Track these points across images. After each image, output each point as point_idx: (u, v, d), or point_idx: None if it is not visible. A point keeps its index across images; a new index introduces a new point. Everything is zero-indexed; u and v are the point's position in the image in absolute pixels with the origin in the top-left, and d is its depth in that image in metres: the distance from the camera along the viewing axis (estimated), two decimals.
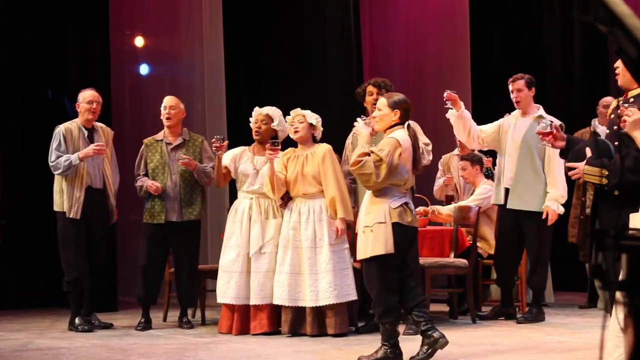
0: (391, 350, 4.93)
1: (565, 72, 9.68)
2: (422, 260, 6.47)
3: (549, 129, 4.31)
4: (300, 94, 8.67)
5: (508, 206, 6.61)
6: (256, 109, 6.52)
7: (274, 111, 6.47)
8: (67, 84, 8.12)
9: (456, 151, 7.92)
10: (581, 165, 3.91)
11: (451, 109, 6.52)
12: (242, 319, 6.26)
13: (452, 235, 6.94)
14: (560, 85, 9.65)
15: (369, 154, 4.85)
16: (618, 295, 1.98)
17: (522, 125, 6.64)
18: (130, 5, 9.03)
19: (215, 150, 6.34)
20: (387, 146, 4.88)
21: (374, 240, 4.84)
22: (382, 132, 5.10)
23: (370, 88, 6.29)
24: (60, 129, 6.55)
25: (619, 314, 2.18)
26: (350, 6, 9.41)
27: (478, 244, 7.03)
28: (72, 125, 6.59)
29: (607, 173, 3.83)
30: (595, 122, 7.64)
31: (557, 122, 4.58)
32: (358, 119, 5.12)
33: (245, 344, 5.82)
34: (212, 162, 6.64)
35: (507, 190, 6.64)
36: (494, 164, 7.39)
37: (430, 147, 6.15)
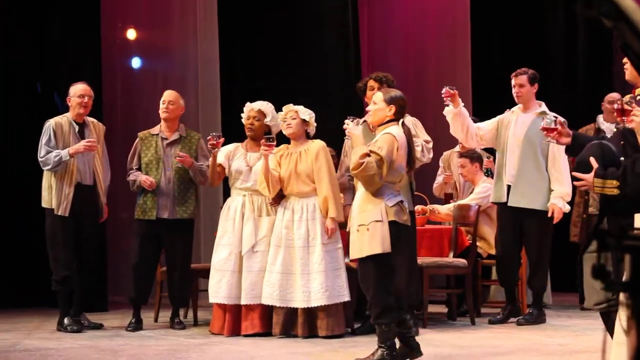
0: (388, 352, 4.92)
1: (569, 68, 9.68)
2: (420, 260, 6.48)
3: (553, 125, 4.30)
4: (297, 89, 8.65)
5: (510, 203, 6.58)
6: (248, 104, 6.52)
7: (266, 106, 6.47)
8: (57, 77, 8.09)
9: (457, 148, 7.91)
10: (589, 177, 3.88)
11: (448, 105, 6.49)
12: (233, 319, 6.26)
13: (451, 235, 6.94)
14: (564, 81, 9.65)
15: (368, 155, 4.85)
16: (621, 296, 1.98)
17: (524, 122, 6.64)
18: None
19: (211, 148, 6.33)
20: (385, 143, 4.88)
21: (371, 239, 4.84)
22: (375, 126, 5.11)
23: (371, 82, 6.29)
24: (51, 123, 6.53)
25: (622, 316, 2.18)
26: (349, 0, 9.41)
27: (478, 243, 7.03)
28: (63, 120, 6.58)
29: (618, 183, 3.81)
30: (599, 118, 7.65)
31: (560, 118, 4.57)
32: (347, 120, 5.09)
33: (238, 346, 5.82)
34: (207, 161, 6.62)
35: (508, 188, 6.62)
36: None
37: (430, 145, 6.15)
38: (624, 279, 1.96)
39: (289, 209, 6.16)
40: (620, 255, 1.96)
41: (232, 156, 6.47)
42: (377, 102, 5.07)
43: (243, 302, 6.20)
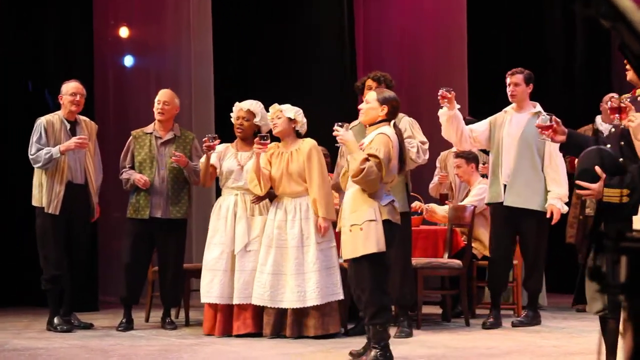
0: (381, 353, 4.93)
1: (567, 69, 9.70)
2: (415, 261, 6.48)
3: (548, 123, 4.30)
4: (292, 88, 8.66)
5: (506, 203, 6.56)
6: (237, 104, 6.53)
7: (255, 106, 6.47)
8: (48, 75, 8.08)
9: (454, 149, 7.91)
10: (595, 187, 3.88)
11: (442, 107, 6.46)
12: (225, 319, 6.26)
13: (446, 236, 6.95)
14: (562, 82, 9.67)
15: (367, 159, 4.86)
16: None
17: (519, 121, 6.64)
18: None
19: (207, 149, 6.33)
20: (382, 145, 4.90)
21: (365, 239, 4.85)
22: (367, 126, 5.12)
23: (369, 82, 6.28)
24: (42, 121, 6.52)
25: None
26: (344, 0, 9.41)
27: (473, 244, 7.04)
28: (54, 117, 6.57)
29: (628, 192, 3.81)
30: (598, 119, 7.67)
31: (555, 117, 4.57)
32: (336, 127, 5.07)
33: (230, 346, 5.82)
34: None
35: (504, 188, 6.61)
36: None
37: (426, 146, 6.13)
38: (620, 281, 1.97)
39: (281, 209, 6.16)
40: (616, 257, 1.96)
41: (222, 156, 6.47)
42: (370, 101, 5.09)
43: (235, 301, 6.20)
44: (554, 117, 4.31)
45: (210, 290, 6.27)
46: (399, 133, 5.08)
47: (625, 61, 4.36)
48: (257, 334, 6.20)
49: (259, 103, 6.49)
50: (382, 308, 4.91)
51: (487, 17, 10.07)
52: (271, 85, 8.72)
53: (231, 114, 6.56)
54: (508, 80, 6.72)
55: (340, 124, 5.05)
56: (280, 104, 6.27)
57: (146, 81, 8.81)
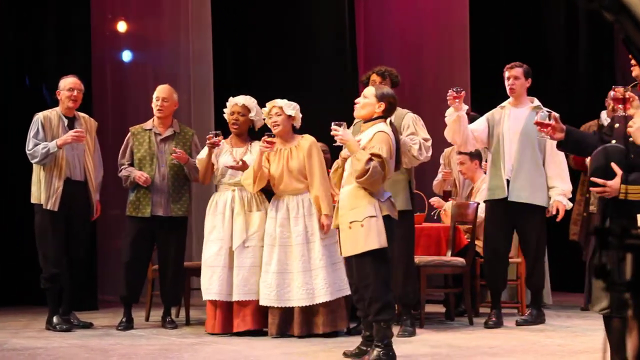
0: (384, 352, 4.93)
1: (570, 64, 9.68)
2: (418, 259, 6.48)
3: (547, 120, 4.29)
4: (292, 83, 8.65)
5: (510, 198, 6.53)
6: (231, 99, 6.54)
7: (249, 101, 6.48)
8: (46, 71, 8.08)
9: None
10: (612, 184, 3.84)
11: (457, 108, 6.42)
12: (224, 316, 6.27)
13: (449, 233, 6.94)
14: (565, 76, 9.65)
15: (371, 159, 4.86)
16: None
17: (519, 116, 6.63)
18: None
19: (210, 146, 6.32)
20: (383, 143, 4.91)
21: (366, 235, 4.86)
22: (362, 121, 5.12)
23: (373, 76, 6.27)
24: (39, 116, 6.53)
25: None
26: None
27: (476, 242, 7.03)
28: (52, 113, 6.57)
29: None
30: (603, 114, 7.65)
31: (554, 113, 4.55)
32: (334, 126, 5.05)
33: (231, 345, 5.83)
34: None
35: (507, 183, 6.58)
36: None
37: (429, 143, 6.11)
38: (626, 278, 1.96)
39: (282, 207, 6.16)
40: (622, 254, 1.96)
41: (218, 152, 6.47)
42: (367, 96, 5.10)
43: (235, 298, 6.21)
44: (553, 113, 4.29)
45: (210, 286, 6.28)
46: (394, 130, 5.08)
47: (630, 56, 4.35)
48: (257, 331, 6.21)
49: (253, 98, 6.50)
50: (387, 304, 4.92)
51: (489, 13, 10.06)
52: (271, 81, 8.71)
53: (224, 110, 6.56)
54: (507, 74, 6.70)
55: (337, 123, 5.02)
56: (280, 100, 6.26)
57: (144, 77, 8.82)
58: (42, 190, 6.44)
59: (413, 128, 6.11)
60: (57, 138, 6.44)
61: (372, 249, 4.87)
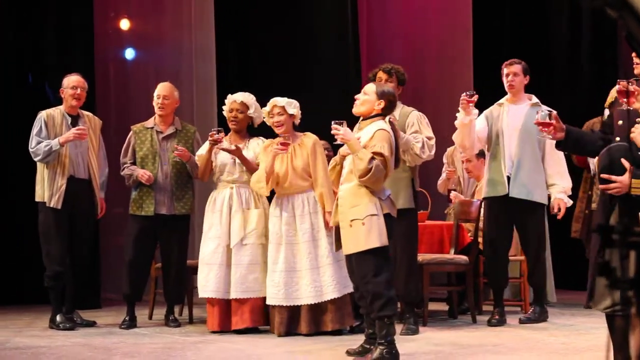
0: (387, 350, 4.92)
1: (573, 61, 9.67)
2: (421, 257, 6.48)
3: (547, 119, 4.26)
4: (294, 81, 8.65)
5: (511, 195, 6.53)
6: (229, 96, 6.55)
7: (248, 98, 6.49)
8: (49, 69, 8.09)
9: None
10: (624, 179, 3.83)
11: (470, 112, 6.41)
12: (222, 313, 6.29)
13: (452, 231, 6.93)
14: (568, 74, 9.65)
15: (373, 158, 4.85)
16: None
17: (518, 113, 6.62)
18: None
19: (212, 143, 6.32)
20: (385, 142, 4.91)
21: (367, 233, 4.86)
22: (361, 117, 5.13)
23: (380, 74, 6.26)
24: (42, 115, 6.54)
25: None
26: None
27: (479, 239, 7.02)
28: (55, 112, 6.58)
29: None
30: (607, 111, 7.64)
31: (554, 112, 4.53)
32: (334, 124, 5.03)
33: (234, 344, 5.83)
34: None
35: (507, 179, 6.56)
36: None
37: (432, 142, 6.10)
38: (629, 276, 1.96)
39: (288, 205, 6.16)
40: (625, 252, 1.96)
41: (216, 149, 6.46)
42: (368, 92, 5.10)
43: (232, 296, 6.24)
44: (553, 113, 4.28)
45: (206, 284, 6.30)
46: (393, 128, 5.08)
47: (633, 54, 4.34)
48: (255, 329, 6.23)
49: (252, 95, 6.51)
50: (390, 300, 4.92)
51: (492, 12, 10.05)
52: (273, 79, 8.71)
53: (223, 107, 6.57)
54: (506, 71, 6.70)
55: (338, 122, 5.00)
56: (282, 98, 6.25)
57: (147, 75, 8.81)
58: (46, 188, 6.45)
59: (417, 126, 6.11)
60: (60, 136, 6.45)
61: (374, 247, 4.87)
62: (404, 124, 6.13)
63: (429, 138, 6.09)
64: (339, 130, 4.97)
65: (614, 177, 3.80)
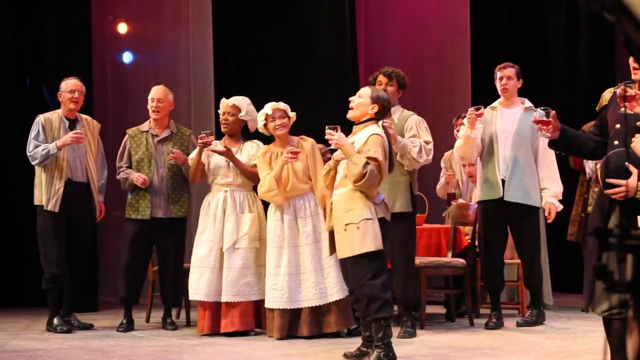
0: (385, 353, 4.92)
1: (570, 62, 9.67)
2: (418, 260, 6.48)
3: (545, 118, 4.26)
4: (293, 84, 8.66)
5: (506, 198, 6.53)
6: (223, 100, 6.55)
7: (240, 101, 6.49)
8: (46, 72, 8.08)
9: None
10: (631, 182, 3.82)
11: (474, 127, 6.43)
12: (213, 316, 6.30)
13: (449, 234, 6.94)
14: (566, 75, 9.65)
15: (368, 162, 4.86)
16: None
17: (512, 116, 6.63)
18: None
19: (202, 145, 6.32)
20: (378, 146, 4.92)
21: (362, 237, 4.87)
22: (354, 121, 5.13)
23: (380, 77, 6.26)
24: (40, 118, 6.54)
25: None
26: None
27: (476, 243, 7.02)
28: (53, 115, 6.58)
29: None
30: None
31: (553, 111, 4.53)
32: (328, 130, 5.04)
33: (232, 347, 5.82)
34: None
35: (502, 182, 6.56)
36: None
37: (430, 146, 6.10)
38: (626, 279, 1.96)
39: (289, 208, 6.17)
40: (622, 255, 1.96)
41: (210, 152, 6.47)
42: (362, 96, 5.11)
43: (223, 299, 6.25)
44: (552, 111, 4.28)
45: (198, 287, 6.31)
46: (386, 132, 5.09)
47: (630, 59, 4.34)
48: (244, 332, 6.25)
49: (246, 99, 6.52)
50: (386, 302, 4.92)
51: (490, 12, 10.06)
52: (271, 78, 8.71)
53: (219, 111, 6.59)
54: (499, 74, 6.70)
55: (332, 126, 5.01)
56: (280, 100, 6.26)
57: (145, 78, 8.81)
58: (44, 192, 6.45)
59: (415, 130, 6.11)
60: (58, 140, 6.45)
61: (369, 251, 4.88)
62: (403, 127, 6.13)
63: (427, 142, 6.09)
64: (333, 136, 4.98)
65: (619, 181, 3.79)
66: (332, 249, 5.11)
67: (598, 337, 5.85)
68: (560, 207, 6.62)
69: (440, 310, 7.50)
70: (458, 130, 7.49)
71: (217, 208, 6.38)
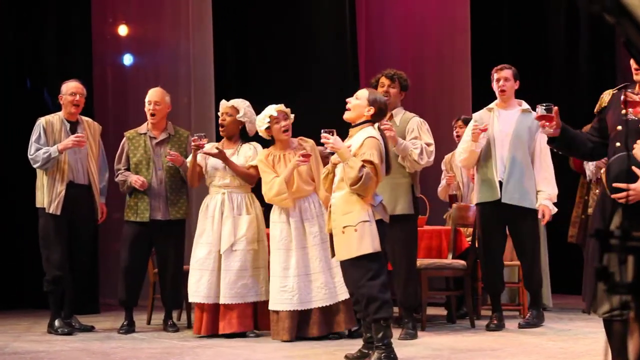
0: (386, 354, 4.93)
1: (570, 63, 9.67)
2: (419, 262, 6.48)
3: (546, 113, 4.24)
4: (292, 84, 8.66)
5: (503, 200, 6.53)
6: (222, 101, 6.55)
7: (239, 103, 6.50)
8: (47, 74, 8.09)
9: (458, 149, 7.88)
10: (637, 186, 3.80)
11: (476, 140, 6.45)
12: (211, 318, 6.31)
13: (450, 236, 6.94)
14: (566, 76, 9.65)
15: (363, 166, 4.87)
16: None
17: (509, 118, 6.62)
18: None
19: (195, 148, 6.32)
20: (373, 149, 4.93)
21: (360, 240, 4.88)
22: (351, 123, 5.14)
23: (382, 79, 6.26)
24: (41, 121, 6.55)
25: None
26: None
27: (477, 244, 7.01)
28: (54, 118, 6.58)
29: None
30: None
31: (555, 107, 4.51)
32: (323, 133, 5.05)
33: (233, 349, 5.82)
34: None
35: (499, 185, 6.56)
36: None
37: (431, 148, 6.09)
38: (627, 281, 1.96)
39: (295, 210, 6.16)
40: (623, 257, 1.96)
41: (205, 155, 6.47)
42: (359, 97, 5.12)
43: (222, 301, 6.26)
44: (554, 107, 4.26)
45: (197, 289, 6.31)
46: (382, 135, 5.10)
47: (632, 60, 4.33)
48: (242, 333, 6.26)
49: (245, 101, 6.53)
50: (385, 303, 4.93)
51: (490, 12, 10.06)
52: (271, 78, 8.71)
53: (219, 112, 6.60)
54: (496, 76, 6.70)
55: (328, 130, 5.03)
56: (280, 101, 6.26)
57: (145, 80, 8.81)
58: (45, 194, 6.46)
59: (417, 132, 6.11)
60: (59, 143, 6.46)
61: (366, 253, 4.88)
62: (405, 129, 6.13)
63: (428, 144, 6.09)
64: (329, 139, 5.00)
65: (628, 185, 3.78)
66: (334, 251, 5.12)
67: (599, 339, 5.85)
68: (555, 209, 6.60)
69: (441, 312, 7.50)
70: (458, 133, 7.49)
71: (215, 210, 6.39)
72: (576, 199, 7.64)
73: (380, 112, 5.11)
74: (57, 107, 6.72)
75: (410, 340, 6.02)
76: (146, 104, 6.75)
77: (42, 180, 6.52)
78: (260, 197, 6.50)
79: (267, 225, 6.46)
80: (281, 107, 6.20)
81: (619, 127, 4.05)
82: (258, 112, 6.35)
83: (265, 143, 6.45)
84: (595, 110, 4.48)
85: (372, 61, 10.10)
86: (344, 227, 4.93)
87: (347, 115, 5.16)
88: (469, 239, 7.14)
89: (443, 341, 6.04)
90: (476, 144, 6.49)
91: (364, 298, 4.94)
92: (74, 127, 6.61)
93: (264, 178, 6.19)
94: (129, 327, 6.63)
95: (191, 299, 6.38)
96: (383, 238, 4.98)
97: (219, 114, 6.57)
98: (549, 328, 6.65)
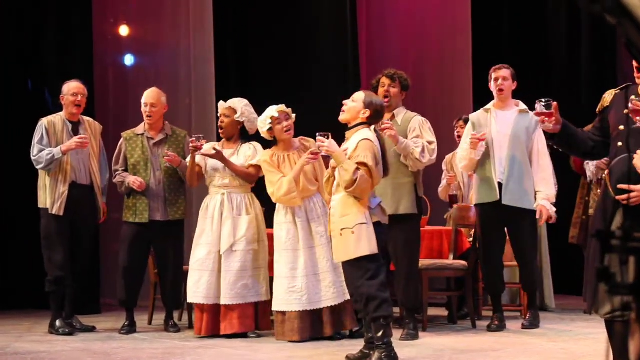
0: (386, 354, 4.93)
1: (572, 63, 9.67)
2: (420, 262, 6.47)
3: (546, 110, 4.23)
4: (292, 84, 8.65)
5: (504, 202, 6.52)
6: (220, 102, 6.56)
7: (236, 103, 6.50)
8: (47, 74, 8.09)
9: (458, 149, 7.88)
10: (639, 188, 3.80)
11: (474, 148, 6.47)
12: (212, 319, 6.32)
13: (451, 236, 6.94)
14: (566, 76, 9.65)
15: (358, 168, 4.87)
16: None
17: (507, 119, 6.61)
18: None
19: (193, 150, 6.32)
20: (367, 151, 4.94)
21: (357, 242, 4.90)
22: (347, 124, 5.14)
23: (383, 79, 6.26)
24: (43, 122, 6.55)
25: None
26: None
27: (477, 245, 7.01)
28: (56, 118, 6.59)
29: None
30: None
31: (554, 103, 4.50)
32: (318, 137, 5.05)
33: (235, 349, 5.83)
34: None
35: (499, 186, 6.56)
36: None
37: (433, 147, 6.09)
38: (629, 281, 1.96)
39: (301, 210, 6.16)
40: (625, 257, 1.96)
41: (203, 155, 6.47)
42: (356, 100, 5.13)
43: (222, 302, 6.27)
44: (553, 103, 4.25)
45: (197, 290, 6.32)
46: (379, 136, 5.10)
47: (633, 62, 4.33)
48: (243, 334, 6.26)
49: (243, 100, 6.52)
50: (385, 301, 4.94)
51: (491, 12, 10.06)
52: (271, 81, 8.70)
53: (218, 113, 6.60)
54: (494, 76, 6.69)
55: (323, 134, 5.04)
56: (280, 101, 6.26)
57: (146, 80, 8.80)
58: (48, 195, 6.46)
59: (419, 131, 6.12)
60: (61, 143, 6.47)
61: (364, 255, 4.89)
62: (407, 129, 6.13)
63: (430, 142, 6.09)
64: (324, 143, 5.00)
65: (633, 187, 3.78)
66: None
67: (600, 340, 5.85)
68: (553, 209, 6.59)
69: (443, 312, 7.50)
70: (459, 133, 7.48)
71: (214, 210, 6.39)
72: (577, 200, 7.64)
73: (376, 115, 5.12)
74: (57, 107, 6.72)
75: (412, 341, 6.03)
76: (142, 106, 6.75)
77: (44, 181, 6.52)
78: (260, 197, 6.50)
79: (268, 226, 6.47)
80: (282, 107, 6.20)
81: (621, 127, 4.05)
82: (259, 113, 6.36)
83: (266, 142, 6.45)
84: (597, 109, 4.49)
85: (372, 61, 10.10)
86: (342, 229, 4.95)
87: (342, 117, 5.17)
88: (471, 239, 7.14)
89: (444, 342, 6.04)
90: (475, 152, 6.49)
91: (363, 297, 4.95)
92: (75, 127, 6.61)
93: (271, 178, 6.17)
94: (130, 328, 6.63)
95: (190, 300, 6.39)
96: (380, 239, 4.99)
97: (218, 115, 6.57)
98: (550, 329, 6.65)
